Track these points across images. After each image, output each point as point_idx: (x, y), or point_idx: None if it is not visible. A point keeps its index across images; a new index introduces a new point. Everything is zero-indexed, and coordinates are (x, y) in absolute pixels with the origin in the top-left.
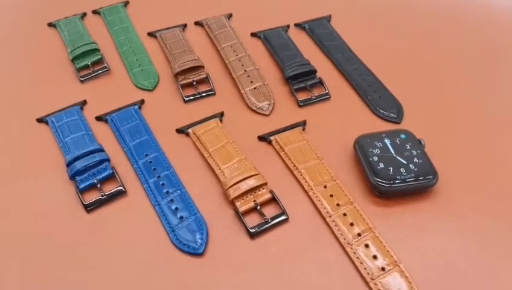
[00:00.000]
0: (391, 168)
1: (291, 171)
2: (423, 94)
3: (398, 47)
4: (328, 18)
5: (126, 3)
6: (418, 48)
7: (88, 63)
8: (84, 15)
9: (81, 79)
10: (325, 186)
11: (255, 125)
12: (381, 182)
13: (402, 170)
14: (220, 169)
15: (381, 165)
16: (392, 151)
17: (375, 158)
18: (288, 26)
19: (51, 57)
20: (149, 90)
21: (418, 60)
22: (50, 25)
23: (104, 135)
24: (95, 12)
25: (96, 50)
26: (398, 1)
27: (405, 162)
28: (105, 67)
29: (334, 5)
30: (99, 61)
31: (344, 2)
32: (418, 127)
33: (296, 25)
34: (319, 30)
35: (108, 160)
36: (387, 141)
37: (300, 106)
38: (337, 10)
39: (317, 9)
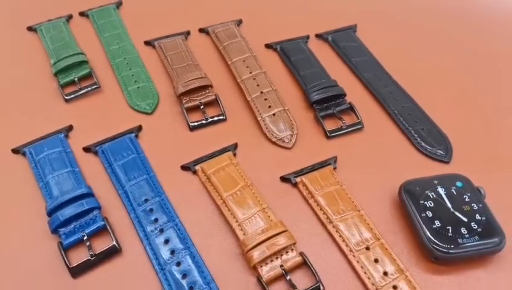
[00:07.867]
0: (450, 227)
1: (325, 226)
2: (474, 125)
3: (441, 64)
4: (354, 28)
5: (119, 4)
6: (465, 64)
7: (74, 79)
8: (69, 18)
9: (66, 98)
10: (368, 248)
11: (275, 160)
12: (439, 247)
13: (463, 230)
14: (237, 222)
15: (437, 223)
16: (449, 205)
17: (429, 213)
18: (307, 37)
19: (29, 70)
20: (147, 113)
21: (466, 80)
22: (30, 29)
23: (93, 171)
24: (82, 14)
25: (84, 62)
26: (439, 4)
27: (465, 220)
28: (94, 83)
29: (358, 11)
30: (88, 76)
31: (370, 6)
32: (470, 168)
33: (318, 35)
34: (345, 42)
35: (99, 208)
36: (441, 190)
37: (328, 137)
38: (363, 17)
39: (339, 16)
